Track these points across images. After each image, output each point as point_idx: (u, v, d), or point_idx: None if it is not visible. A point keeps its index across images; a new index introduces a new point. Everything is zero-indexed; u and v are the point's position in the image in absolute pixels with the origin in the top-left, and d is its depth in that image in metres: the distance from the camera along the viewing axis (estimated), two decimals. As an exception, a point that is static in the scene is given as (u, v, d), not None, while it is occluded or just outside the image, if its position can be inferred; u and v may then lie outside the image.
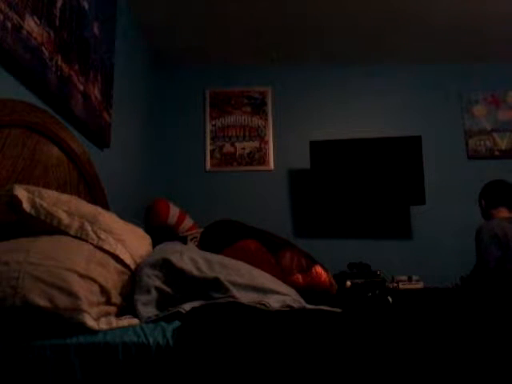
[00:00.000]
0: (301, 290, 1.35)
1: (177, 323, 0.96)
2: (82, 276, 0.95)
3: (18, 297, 0.87)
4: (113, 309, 1.04)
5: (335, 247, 3.32)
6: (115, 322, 0.97)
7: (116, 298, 1.06)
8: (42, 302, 0.88)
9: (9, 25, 1.28)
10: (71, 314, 0.89)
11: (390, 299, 1.42)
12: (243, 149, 3.52)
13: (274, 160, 3.51)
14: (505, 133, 3.53)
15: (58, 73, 1.63)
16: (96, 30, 2.05)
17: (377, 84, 3.64)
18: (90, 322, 0.91)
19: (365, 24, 3.09)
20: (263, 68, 3.65)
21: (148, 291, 1.11)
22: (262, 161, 3.51)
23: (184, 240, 2.49)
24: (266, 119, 3.57)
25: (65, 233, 1.11)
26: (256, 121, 3.57)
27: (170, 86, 3.64)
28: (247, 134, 3.55)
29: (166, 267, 1.16)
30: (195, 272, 1.14)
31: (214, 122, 3.56)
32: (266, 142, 3.53)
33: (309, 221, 3.42)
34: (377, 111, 3.60)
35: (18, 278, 0.89)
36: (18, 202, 1.10)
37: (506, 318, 0.99)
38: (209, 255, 1.27)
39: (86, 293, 0.93)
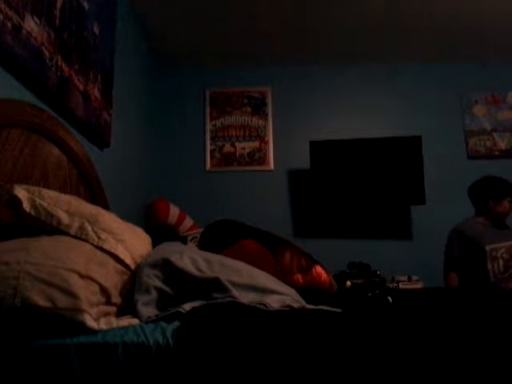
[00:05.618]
0: (301, 290, 1.35)
1: (177, 323, 0.96)
2: (82, 276, 0.95)
3: (18, 297, 0.87)
4: (113, 309, 1.04)
5: (335, 247, 3.31)
6: (115, 322, 0.97)
7: (116, 298, 1.06)
8: (42, 302, 0.88)
9: (9, 25, 1.28)
10: (71, 314, 0.89)
11: (390, 299, 1.42)
12: (243, 149, 3.52)
13: (274, 160, 3.51)
14: (505, 133, 3.53)
15: (58, 73, 1.63)
16: (96, 29, 2.05)
17: (377, 84, 3.64)
18: (90, 322, 0.91)
19: (365, 24, 3.09)
20: (263, 68, 3.65)
21: (148, 291, 1.11)
22: (262, 161, 3.51)
23: (184, 240, 2.49)
24: (266, 119, 3.57)
25: (65, 233, 1.11)
26: (256, 121, 3.57)
27: (170, 86, 3.64)
28: (247, 133, 3.55)
29: (166, 267, 1.16)
30: (195, 272, 1.14)
31: (214, 122, 3.56)
32: (266, 142, 3.53)
33: (309, 221, 3.42)
34: (377, 111, 3.60)
35: (18, 278, 0.89)
36: (18, 201, 1.10)
37: (506, 318, 0.99)
38: (209, 255, 1.27)
39: (86, 293, 0.93)
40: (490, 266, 2.48)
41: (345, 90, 3.64)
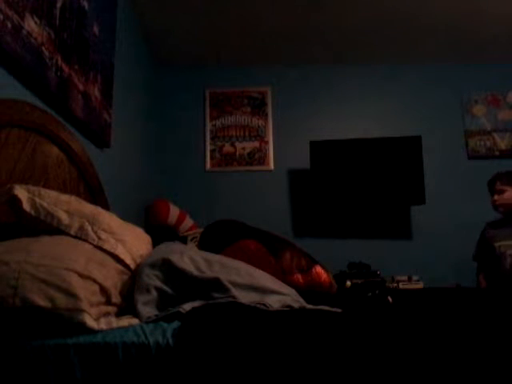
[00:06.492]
0: (301, 290, 1.35)
1: (177, 323, 0.96)
2: (81, 276, 0.95)
3: (17, 297, 0.87)
4: (113, 309, 1.04)
5: (335, 247, 3.32)
6: (115, 322, 0.97)
7: (116, 298, 1.06)
8: (42, 302, 0.88)
9: (9, 25, 1.28)
10: (71, 314, 0.89)
11: (390, 299, 1.42)
12: (243, 149, 3.52)
13: (274, 160, 3.51)
14: (505, 133, 3.53)
15: (58, 73, 1.63)
16: (96, 29, 2.05)
17: (377, 84, 3.65)
18: (90, 322, 0.91)
19: (365, 24, 3.09)
20: (263, 68, 3.65)
21: (148, 291, 1.11)
22: (262, 161, 3.51)
23: (184, 240, 2.49)
24: (266, 119, 3.57)
25: (65, 233, 1.11)
26: (256, 121, 3.57)
27: (170, 85, 3.64)
28: (247, 134, 3.55)
29: (166, 267, 1.16)
30: (195, 272, 1.14)
31: (214, 122, 3.57)
32: (266, 142, 3.53)
33: (309, 221, 3.42)
34: (377, 111, 3.60)
35: (18, 278, 0.88)
36: (18, 201, 1.10)
37: (505, 319, 0.99)
38: (209, 255, 1.27)
39: (86, 293, 0.93)
40: (501, 265, 2.41)
41: (345, 90, 3.64)
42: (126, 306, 1.10)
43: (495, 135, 3.54)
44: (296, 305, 1.13)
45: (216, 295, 1.10)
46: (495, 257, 2.47)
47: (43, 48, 1.50)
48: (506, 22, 3.08)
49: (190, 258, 1.19)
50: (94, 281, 0.98)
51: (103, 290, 1.00)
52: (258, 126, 3.57)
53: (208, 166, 3.49)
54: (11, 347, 0.86)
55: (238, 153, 3.52)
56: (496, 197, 2.45)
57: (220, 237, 1.67)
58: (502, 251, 2.43)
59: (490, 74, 3.63)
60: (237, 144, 3.53)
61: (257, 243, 1.55)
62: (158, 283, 1.13)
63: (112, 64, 2.28)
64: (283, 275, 1.47)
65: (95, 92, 2.02)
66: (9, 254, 0.94)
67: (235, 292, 1.10)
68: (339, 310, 1.10)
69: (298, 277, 1.50)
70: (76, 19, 1.81)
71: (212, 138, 3.54)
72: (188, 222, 2.95)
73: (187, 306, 1.05)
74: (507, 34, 3.22)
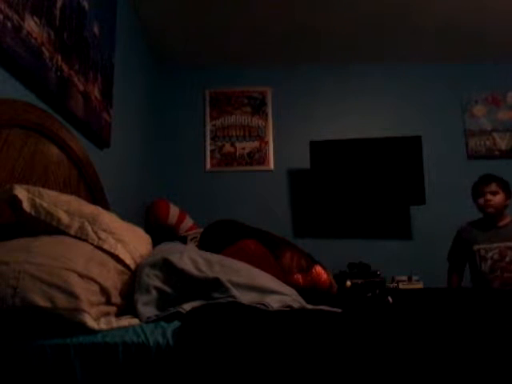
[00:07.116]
0: (301, 290, 1.35)
1: (177, 323, 0.96)
2: (81, 276, 0.95)
3: (18, 297, 0.87)
4: (113, 309, 1.04)
5: (335, 247, 3.32)
6: (115, 322, 0.97)
7: (116, 298, 1.06)
8: (42, 302, 0.88)
9: (9, 25, 1.28)
10: (71, 314, 0.89)
11: (390, 299, 1.42)
12: (243, 149, 3.52)
13: (274, 160, 3.51)
14: (505, 133, 3.53)
15: (58, 73, 1.63)
16: (96, 29, 2.05)
17: (377, 84, 3.64)
18: (90, 322, 0.91)
19: (364, 24, 3.09)
20: (263, 68, 3.65)
21: (148, 291, 1.11)
22: (262, 161, 3.51)
23: (184, 240, 2.49)
24: (266, 119, 3.57)
25: (65, 233, 1.11)
26: (256, 121, 3.57)
27: (170, 86, 3.64)
28: (247, 133, 3.55)
29: (166, 267, 1.16)
30: (195, 272, 1.14)
31: (214, 122, 3.57)
32: (266, 142, 3.53)
33: (309, 221, 3.42)
34: (377, 111, 3.60)
35: (18, 278, 0.88)
36: (18, 201, 1.10)
37: (505, 319, 0.99)
38: (209, 255, 1.27)
39: (86, 293, 0.93)
40: (480, 267, 2.48)
41: (345, 89, 3.64)
42: (126, 306, 1.10)
43: (495, 135, 3.54)
44: (296, 305, 1.13)
45: (216, 295, 1.10)
46: (475, 260, 2.52)
47: (43, 48, 1.50)
48: (506, 22, 3.07)
49: (189, 258, 1.19)
50: (94, 281, 0.98)
51: (103, 290, 1.00)
52: (258, 126, 3.57)
53: (208, 166, 3.49)
54: (11, 347, 0.86)
55: (237, 153, 3.52)
56: (490, 196, 2.48)
57: (220, 237, 1.66)
58: (482, 254, 2.48)
59: (490, 74, 3.63)
60: (237, 144, 3.53)
61: (257, 243, 1.55)
62: (158, 283, 1.13)
63: (112, 64, 2.28)
64: (283, 275, 1.47)
65: (95, 92, 2.02)
66: (9, 254, 0.94)
67: (235, 292, 1.10)
68: (339, 310, 1.10)
69: (298, 277, 1.50)
70: (76, 19, 1.81)
71: (212, 138, 3.54)
72: (188, 221, 2.95)
73: (187, 306, 1.05)
74: (507, 34, 3.22)
